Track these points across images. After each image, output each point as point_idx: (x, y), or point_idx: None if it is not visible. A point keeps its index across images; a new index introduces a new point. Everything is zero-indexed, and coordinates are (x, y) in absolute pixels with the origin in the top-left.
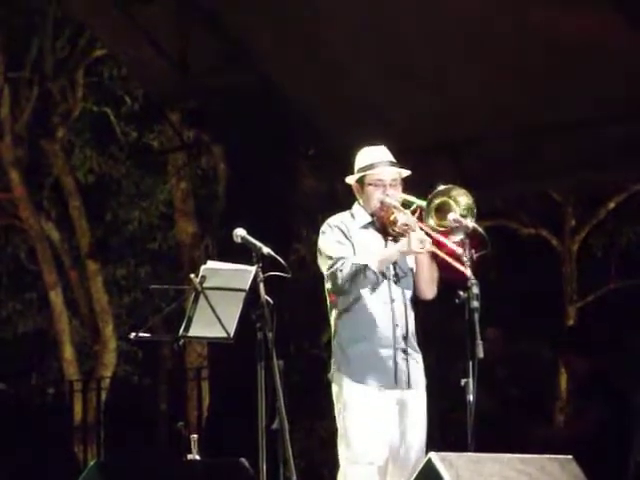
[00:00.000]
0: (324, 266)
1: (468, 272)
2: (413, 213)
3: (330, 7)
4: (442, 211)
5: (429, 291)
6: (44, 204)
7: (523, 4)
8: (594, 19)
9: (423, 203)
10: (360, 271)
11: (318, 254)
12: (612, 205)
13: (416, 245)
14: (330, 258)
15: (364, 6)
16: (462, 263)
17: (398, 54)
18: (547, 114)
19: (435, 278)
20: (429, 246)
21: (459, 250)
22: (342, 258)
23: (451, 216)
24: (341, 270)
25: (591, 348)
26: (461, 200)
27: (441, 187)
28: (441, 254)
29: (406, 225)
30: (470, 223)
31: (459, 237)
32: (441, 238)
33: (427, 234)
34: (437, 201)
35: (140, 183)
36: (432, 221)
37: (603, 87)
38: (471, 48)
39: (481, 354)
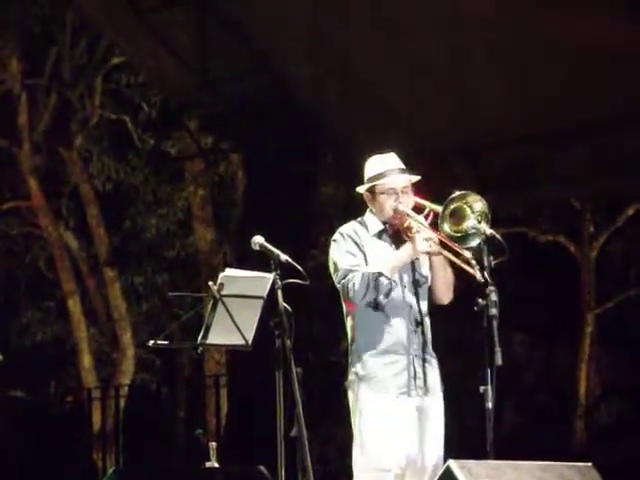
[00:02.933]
0: (336, 278)
1: (478, 275)
2: (426, 217)
3: (347, 12)
4: (457, 217)
5: (445, 296)
6: (62, 212)
7: (540, 10)
8: (611, 24)
9: (435, 207)
10: (373, 280)
11: (330, 264)
12: (631, 212)
13: (422, 245)
14: (341, 269)
15: (381, 10)
16: (472, 267)
17: (416, 59)
18: (565, 120)
19: (451, 283)
20: (435, 246)
21: (467, 253)
22: (352, 270)
23: (467, 222)
24: (352, 282)
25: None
26: (476, 206)
27: (456, 193)
28: (449, 255)
29: (419, 232)
30: (487, 229)
31: (475, 243)
32: (454, 245)
33: (441, 241)
34: (452, 207)
35: (158, 190)
36: (447, 226)
37: (621, 93)
38: (489, 54)
39: (499, 361)
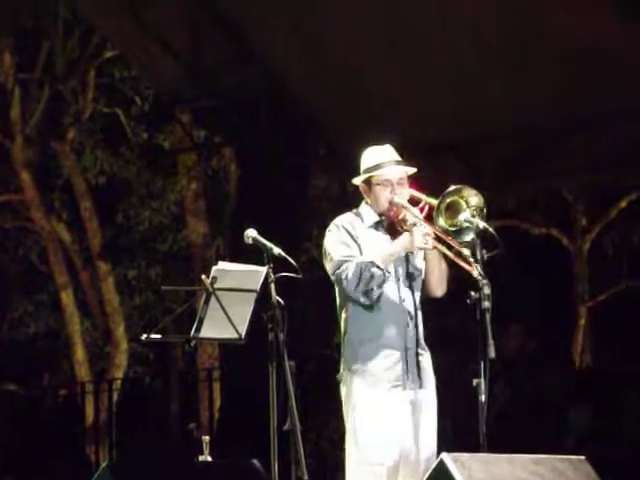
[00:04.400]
0: (329, 268)
1: (475, 272)
2: (421, 210)
3: (341, 7)
4: (452, 210)
5: (439, 289)
6: (55, 205)
7: (538, 7)
8: (608, 21)
9: (431, 200)
10: (366, 270)
11: (323, 255)
12: (623, 204)
13: (419, 240)
14: (335, 260)
15: (376, 6)
16: (468, 263)
17: (409, 53)
18: (559, 114)
19: (445, 276)
20: (432, 242)
21: (465, 251)
22: (346, 261)
23: (462, 216)
24: (346, 273)
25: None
26: (471, 200)
27: (452, 187)
28: (446, 252)
29: (415, 225)
30: (481, 223)
31: (469, 237)
32: (449, 240)
33: (435, 234)
34: (448, 200)
35: (151, 184)
36: (442, 220)
37: (616, 88)
38: (483, 48)
39: (492, 354)
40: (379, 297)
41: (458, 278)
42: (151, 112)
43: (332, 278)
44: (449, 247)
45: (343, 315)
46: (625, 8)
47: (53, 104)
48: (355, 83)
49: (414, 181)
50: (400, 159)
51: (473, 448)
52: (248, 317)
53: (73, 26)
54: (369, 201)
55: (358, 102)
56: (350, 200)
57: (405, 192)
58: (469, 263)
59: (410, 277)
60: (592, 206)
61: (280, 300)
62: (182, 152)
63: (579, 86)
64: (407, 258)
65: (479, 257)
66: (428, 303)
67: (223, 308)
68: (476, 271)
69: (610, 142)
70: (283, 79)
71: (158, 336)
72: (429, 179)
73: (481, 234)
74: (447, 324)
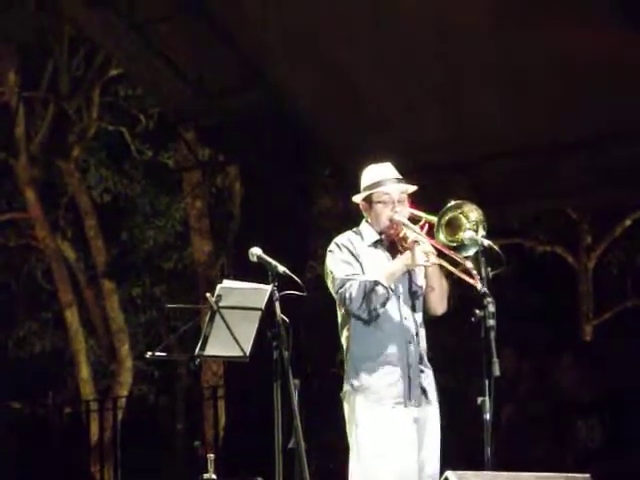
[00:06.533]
0: (332, 287)
1: (479, 285)
2: (421, 228)
3: (345, 27)
4: (453, 226)
5: (439, 307)
6: (60, 223)
7: (538, 23)
8: (610, 38)
9: (431, 218)
10: (370, 288)
11: (326, 275)
12: (628, 222)
13: (420, 258)
14: (338, 279)
15: (380, 26)
16: (472, 277)
17: (414, 73)
18: (563, 132)
19: (445, 294)
20: (434, 258)
21: (469, 264)
22: (350, 280)
23: (466, 234)
24: (350, 292)
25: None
26: (471, 215)
27: (452, 202)
28: (448, 267)
29: (416, 241)
30: (485, 241)
31: (471, 252)
32: (451, 253)
33: (437, 249)
34: (447, 216)
35: (155, 202)
36: (442, 236)
37: (620, 105)
38: (487, 67)
39: (497, 372)
40: (381, 315)
41: (462, 296)
42: (156, 130)
43: (335, 297)
44: (451, 262)
45: (345, 333)
46: (629, 24)
47: (57, 122)
48: (358, 103)
49: (416, 200)
50: (400, 177)
51: (478, 466)
52: (253, 335)
53: (78, 44)
54: (369, 219)
55: (361, 122)
56: (355, 219)
57: (405, 210)
58: (472, 276)
59: (412, 295)
60: (597, 224)
61: (285, 318)
62: (186, 170)
63: (580, 105)
64: (409, 276)
65: (484, 275)
66: (433, 321)
67: (228, 326)
68: (480, 284)
69: (612, 161)
70: (287, 98)
71: (163, 354)
72: (432, 199)
73: (486, 251)
74: (452, 342)
